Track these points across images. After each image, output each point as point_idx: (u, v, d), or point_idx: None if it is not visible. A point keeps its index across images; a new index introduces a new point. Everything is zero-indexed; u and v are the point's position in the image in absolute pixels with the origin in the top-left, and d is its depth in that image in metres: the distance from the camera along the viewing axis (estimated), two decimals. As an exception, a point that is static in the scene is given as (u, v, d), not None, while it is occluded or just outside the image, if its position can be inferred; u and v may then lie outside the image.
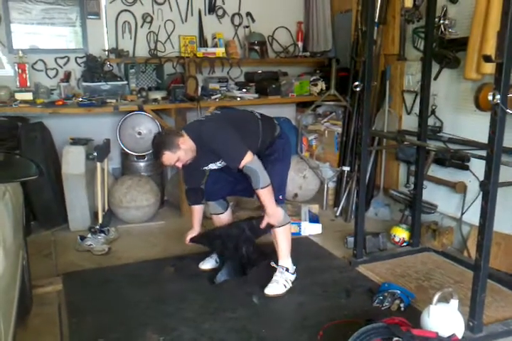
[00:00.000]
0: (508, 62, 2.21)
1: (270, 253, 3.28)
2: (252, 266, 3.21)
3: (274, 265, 3.21)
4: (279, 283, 3.11)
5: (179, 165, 2.96)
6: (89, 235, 3.85)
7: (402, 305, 2.87)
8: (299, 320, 2.82)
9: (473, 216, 3.49)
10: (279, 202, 3.03)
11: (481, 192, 2.50)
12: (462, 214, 3.68)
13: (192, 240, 3.36)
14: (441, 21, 3.53)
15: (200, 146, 2.92)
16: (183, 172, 3.29)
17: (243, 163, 2.84)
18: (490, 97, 2.27)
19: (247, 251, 3.17)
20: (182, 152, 2.89)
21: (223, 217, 3.41)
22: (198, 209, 3.35)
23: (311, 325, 2.73)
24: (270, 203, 2.95)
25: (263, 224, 3.01)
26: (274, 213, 2.97)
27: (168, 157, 2.88)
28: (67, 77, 4.52)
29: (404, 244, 3.83)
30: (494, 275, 3.09)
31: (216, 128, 2.92)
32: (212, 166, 3.10)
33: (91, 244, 3.79)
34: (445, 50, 3.55)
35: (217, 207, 3.38)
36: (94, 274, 3.42)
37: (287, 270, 3.18)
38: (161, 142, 2.90)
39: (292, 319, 2.86)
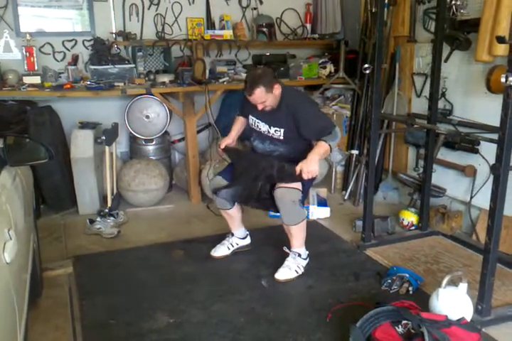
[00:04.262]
0: (521, 44, 2.18)
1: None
2: (257, 203, 3.13)
3: (287, 250, 3.19)
4: (291, 269, 3.10)
5: (260, 107, 2.96)
6: (98, 218, 3.88)
7: (410, 288, 2.87)
8: (308, 302, 2.84)
9: (482, 200, 3.48)
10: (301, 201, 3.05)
11: (491, 176, 2.49)
12: (471, 197, 3.67)
13: (225, 149, 3.31)
14: (453, 2, 3.44)
15: (281, 107, 2.98)
16: (243, 107, 3.27)
17: (337, 128, 2.94)
18: (503, 79, 2.24)
19: (262, 187, 3.04)
20: (272, 96, 2.92)
21: (232, 212, 3.32)
22: (242, 121, 3.34)
23: (319, 307, 2.75)
24: (318, 153, 2.88)
25: (297, 170, 2.87)
26: (313, 160, 2.85)
27: (260, 94, 2.88)
28: (74, 60, 4.50)
29: (413, 227, 3.83)
30: (503, 258, 3.07)
31: (308, 99, 3.18)
32: (264, 127, 3.08)
33: (100, 228, 3.82)
34: (456, 32, 3.50)
35: (224, 202, 3.25)
36: (104, 257, 3.45)
37: (299, 255, 3.16)
38: (262, 76, 2.91)
39: (301, 302, 2.88)
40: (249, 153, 3.30)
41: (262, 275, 3.13)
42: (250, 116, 3.17)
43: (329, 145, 2.89)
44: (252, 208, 3.30)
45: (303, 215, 3.08)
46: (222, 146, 3.31)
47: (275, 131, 3.04)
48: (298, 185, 2.98)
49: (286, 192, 2.96)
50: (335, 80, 4.72)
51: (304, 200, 3.28)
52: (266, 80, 2.88)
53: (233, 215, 3.35)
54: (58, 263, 3.27)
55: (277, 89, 2.93)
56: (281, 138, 3.04)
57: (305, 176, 2.86)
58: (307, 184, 3.10)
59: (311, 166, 2.85)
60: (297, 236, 3.12)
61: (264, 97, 2.90)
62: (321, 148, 2.90)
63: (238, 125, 3.37)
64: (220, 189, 3.16)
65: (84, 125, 4.21)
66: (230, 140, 3.33)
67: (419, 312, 2.25)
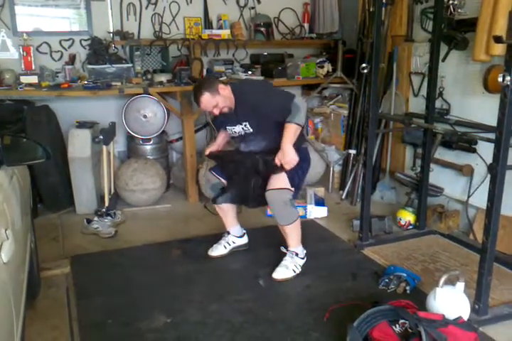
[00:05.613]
0: (518, 43, 2.18)
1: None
2: (255, 201, 3.16)
3: (284, 250, 3.19)
4: (289, 268, 3.10)
5: (216, 111, 3.03)
6: (95, 218, 3.87)
7: (407, 287, 2.88)
8: (305, 302, 2.84)
9: (479, 199, 3.49)
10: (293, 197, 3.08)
11: (489, 175, 2.49)
12: (469, 197, 3.67)
13: (210, 154, 3.34)
14: (450, 1, 3.44)
15: (237, 103, 3.01)
16: (216, 126, 3.35)
17: (295, 100, 2.90)
18: (500, 79, 2.24)
19: (255, 184, 3.06)
20: (221, 98, 2.98)
21: (224, 206, 3.36)
22: (224, 132, 3.34)
23: (317, 307, 2.74)
24: (289, 139, 2.90)
25: (277, 161, 2.92)
26: (287, 150, 2.89)
27: (207, 99, 2.97)
28: (72, 59, 4.49)
29: (410, 227, 3.83)
30: (500, 258, 3.08)
31: (259, 84, 3.28)
32: (238, 128, 3.11)
33: (97, 227, 3.81)
34: (454, 31, 3.50)
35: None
36: (102, 257, 3.44)
37: (297, 255, 3.16)
38: (202, 83, 3.06)
39: (298, 301, 2.87)
40: (234, 154, 3.30)
41: (259, 274, 3.12)
42: (227, 128, 3.21)
43: (295, 123, 2.89)
44: (252, 208, 3.35)
45: (295, 215, 3.09)
46: (207, 153, 3.35)
47: (244, 125, 3.08)
48: (287, 184, 3.00)
49: (277, 194, 2.99)
50: (332, 80, 4.72)
51: (297, 196, 3.29)
52: (207, 85, 2.98)
53: (226, 209, 3.37)
54: (55, 263, 3.27)
55: (224, 90, 2.99)
56: (251, 130, 3.08)
57: (287, 167, 2.92)
58: (297, 178, 3.09)
59: (287, 156, 2.90)
60: (292, 235, 3.13)
61: (213, 101, 2.98)
62: (289, 132, 2.90)
63: (222, 134, 3.38)
64: (218, 196, 3.24)
65: (81, 124, 4.20)
66: (215, 147, 3.36)
67: (417, 311, 2.25)
